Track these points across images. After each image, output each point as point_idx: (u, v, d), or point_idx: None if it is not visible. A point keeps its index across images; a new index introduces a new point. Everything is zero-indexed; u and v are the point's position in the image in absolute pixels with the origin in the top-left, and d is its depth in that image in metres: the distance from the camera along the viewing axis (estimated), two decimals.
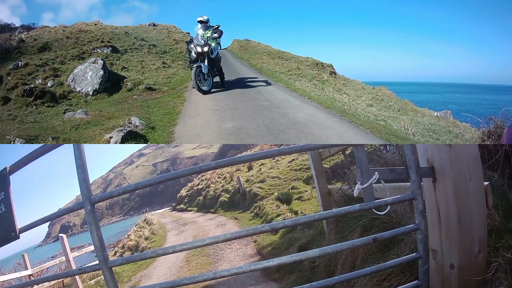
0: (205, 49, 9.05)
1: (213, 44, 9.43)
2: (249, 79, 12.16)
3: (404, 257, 2.44)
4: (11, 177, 2.61)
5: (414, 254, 2.38)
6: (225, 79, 10.29)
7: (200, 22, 9.58)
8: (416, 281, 2.42)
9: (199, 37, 9.32)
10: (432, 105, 25.24)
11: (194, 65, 8.97)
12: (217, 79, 10.04)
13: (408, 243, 2.90)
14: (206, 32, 9.48)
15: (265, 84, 11.24)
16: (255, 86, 10.67)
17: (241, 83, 11.12)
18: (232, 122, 6.61)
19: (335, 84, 14.88)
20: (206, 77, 9.09)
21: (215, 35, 9.49)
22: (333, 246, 2.23)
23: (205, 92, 9.03)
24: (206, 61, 9.02)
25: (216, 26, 9.69)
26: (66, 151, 2.43)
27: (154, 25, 23.67)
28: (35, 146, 2.56)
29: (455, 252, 2.19)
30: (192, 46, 9.38)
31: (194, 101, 8.54)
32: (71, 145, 2.36)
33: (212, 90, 9.42)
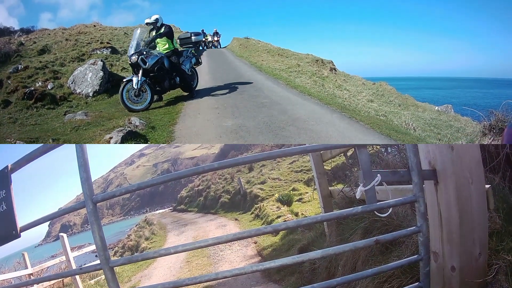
0: (133, 58, 7.28)
1: (152, 50, 7.67)
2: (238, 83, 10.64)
3: (405, 259, 2.45)
4: (12, 175, 2.61)
5: (416, 256, 2.39)
6: (194, 88, 8.74)
7: (148, 24, 7.94)
8: (417, 283, 2.42)
9: (133, 43, 7.51)
10: (434, 99, 25.05)
11: (125, 80, 7.42)
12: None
13: (409, 245, 2.91)
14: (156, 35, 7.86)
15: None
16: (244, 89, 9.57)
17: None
18: (232, 120, 6.60)
19: (336, 80, 14.78)
20: (138, 92, 7.38)
21: (149, 38, 7.72)
22: (335, 247, 2.24)
23: (135, 111, 7.34)
24: (140, 73, 7.28)
25: (164, 27, 7.88)
26: (67, 150, 2.42)
27: None
28: (37, 146, 2.56)
29: (456, 255, 2.20)
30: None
31: (194, 100, 8.51)
32: (73, 144, 2.35)
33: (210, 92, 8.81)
